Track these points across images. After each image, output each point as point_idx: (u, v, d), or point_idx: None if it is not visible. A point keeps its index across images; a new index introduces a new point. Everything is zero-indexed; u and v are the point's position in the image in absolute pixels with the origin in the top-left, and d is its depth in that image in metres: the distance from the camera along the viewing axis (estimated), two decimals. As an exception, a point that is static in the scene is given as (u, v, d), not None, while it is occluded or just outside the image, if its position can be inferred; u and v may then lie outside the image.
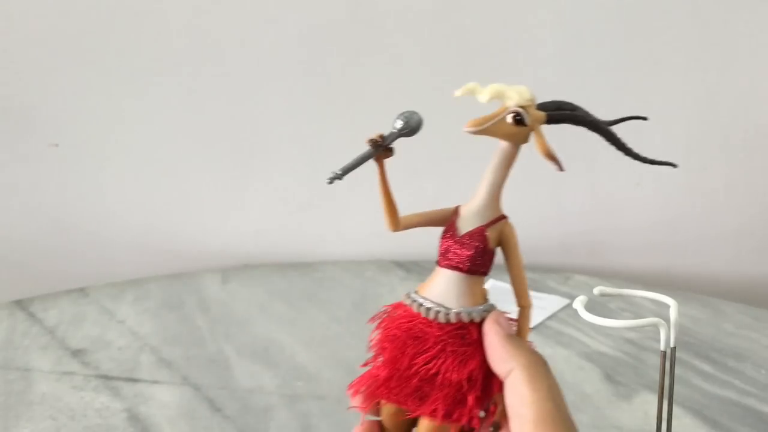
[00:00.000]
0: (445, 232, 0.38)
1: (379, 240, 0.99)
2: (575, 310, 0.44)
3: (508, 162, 0.38)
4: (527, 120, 0.36)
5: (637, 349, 0.73)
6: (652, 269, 1.02)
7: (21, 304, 0.83)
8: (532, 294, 0.91)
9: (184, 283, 0.90)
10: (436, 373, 0.35)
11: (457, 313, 0.36)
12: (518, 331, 0.37)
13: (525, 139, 0.37)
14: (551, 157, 0.36)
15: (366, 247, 0.99)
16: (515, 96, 0.36)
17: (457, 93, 0.36)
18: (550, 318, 0.80)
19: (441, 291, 0.37)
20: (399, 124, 0.37)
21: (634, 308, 0.82)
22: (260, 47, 0.93)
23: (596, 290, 0.47)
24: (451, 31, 0.93)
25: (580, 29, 0.94)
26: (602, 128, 0.40)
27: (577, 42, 0.94)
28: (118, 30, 0.91)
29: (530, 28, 0.94)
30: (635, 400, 0.63)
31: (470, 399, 0.35)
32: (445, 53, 0.93)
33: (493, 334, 0.35)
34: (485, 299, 0.38)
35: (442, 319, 0.36)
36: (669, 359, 0.44)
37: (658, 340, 0.44)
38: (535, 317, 0.79)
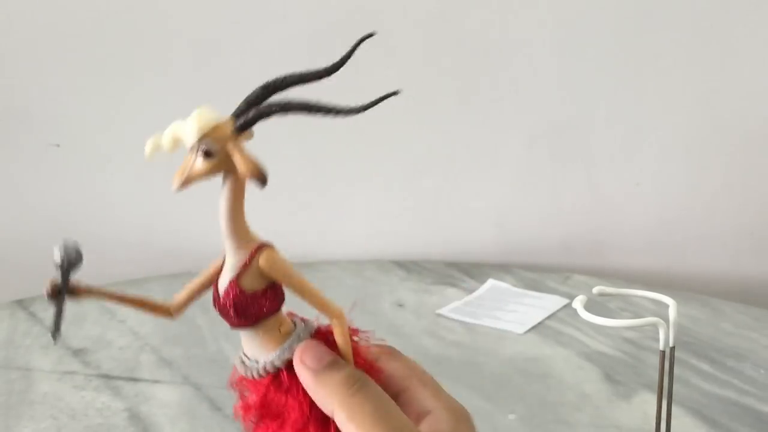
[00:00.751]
0: (212, 296, 0.36)
1: (379, 240, 0.99)
2: (575, 310, 0.44)
3: (234, 192, 0.34)
4: (215, 149, 0.32)
5: (636, 348, 0.73)
6: (651, 269, 1.02)
7: (22, 304, 0.83)
8: (532, 294, 0.91)
9: (185, 283, 0.90)
10: None
11: (263, 367, 0.34)
12: (339, 345, 0.34)
13: (231, 162, 0.33)
14: (256, 174, 0.31)
15: (366, 247, 0.99)
16: (193, 128, 0.32)
17: (147, 154, 0.33)
18: (549, 318, 0.80)
19: (248, 347, 0.36)
20: (58, 258, 0.34)
21: (633, 308, 0.82)
22: (260, 47, 0.93)
23: (596, 290, 0.47)
24: (453, 33, 0.93)
25: (580, 29, 0.94)
26: (299, 105, 0.34)
27: (577, 42, 0.94)
28: (118, 30, 0.91)
29: (530, 29, 0.94)
30: (634, 400, 0.64)
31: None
32: (446, 54, 0.93)
33: (302, 378, 0.33)
34: (288, 334, 0.35)
35: (256, 375, 0.34)
36: (668, 359, 0.44)
37: (658, 340, 0.44)
38: (535, 317, 0.80)
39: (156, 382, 0.66)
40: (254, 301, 0.34)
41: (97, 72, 0.92)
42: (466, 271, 0.94)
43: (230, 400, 0.66)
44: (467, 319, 0.79)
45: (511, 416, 0.61)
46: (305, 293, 0.35)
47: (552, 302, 0.84)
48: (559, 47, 0.94)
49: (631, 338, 0.75)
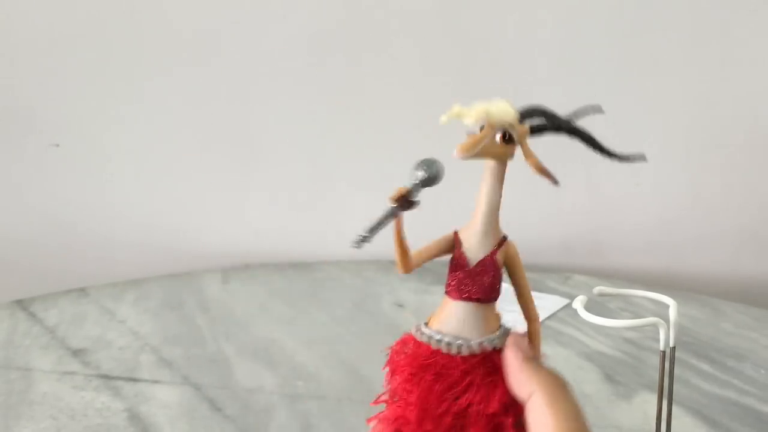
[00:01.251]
0: (453, 263, 0.38)
1: (379, 240, 0.99)
2: (575, 310, 0.44)
3: (501, 181, 0.37)
4: (516, 137, 0.36)
5: (636, 348, 0.73)
6: (651, 269, 1.02)
7: (21, 304, 0.83)
8: (532, 294, 0.91)
9: (185, 283, 0.90)
10: (468, 406, 0.35)
11: (480, 344, 0.36)
12: (532, 345, 0.37)
13: (512, 156, 0.37)
14: (544, 172, 0.36)
15: (366, 246, 0.99)
16: (500, 114, 0.36)
17: (443, 119, 0.36)
18: (549, 318, 0.80)
19: (457, 323, 0.36)
20: (420, 174, 0.37)
21: (633, 308, 0.82)
22: (261, 48, 0.93)
23: (596, 290, 0.47)
24: (452, 33, 0.93)
25: (580, 30, 0.94)
26: (579, 132, 0.40)
27: (577, 42, 0.94)
28: (118, 30, 0.91)
29: (530, 29, 0.94)
30: (635, 400, 0.63)
31: (508, 425, 0.35)
32: (446, 55, 0.93)
33: (512, 358, 0.35)
34: (500, 324, 0.38)
35: (465, 351, 0.36)
36: (668, 359, 0.44)
37: (658, 340, 0.44)
38: (535, 317, 0.79)
39: (156, 382, 0.66)
40: (500, 279, 0.37)
41: (97, 72, 0.92)
42: (466, 272, 0.94)
43: (230, 401, 0.66)
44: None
45: (512, 416, 0.60)
46: (524, 289, 0.39)
47: (552, 302, 0.84)
48: (559, 47, 0.94)
49: (632, 338, 0.75)
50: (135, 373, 0.68)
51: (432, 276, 0.93)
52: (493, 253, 0.37)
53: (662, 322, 0.43)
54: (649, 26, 0.94)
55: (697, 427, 0.59)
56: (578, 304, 0.44)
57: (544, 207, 1.01)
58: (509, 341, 0.36)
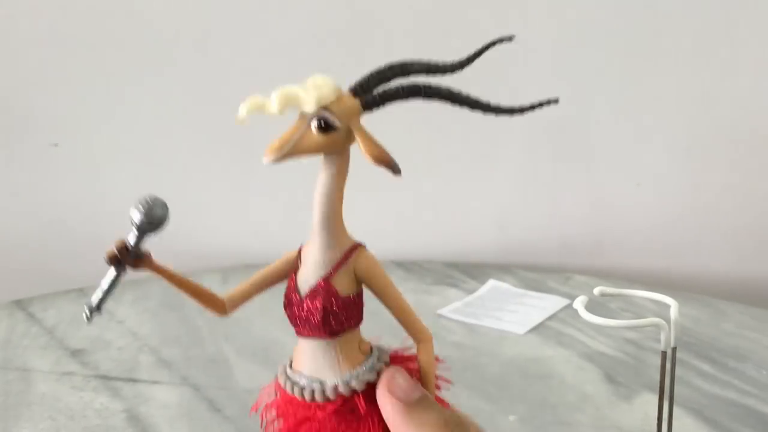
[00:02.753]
0: (286, 294, 0.31)
1: (379, 240, 0.99)
2: (575, 311, 0.44)
3: (339, 179, 0.30)
4: (336, 122, 0.28)
5: (637, 349, 0.73)
6: (652, 269, 1.02)
7: (20, 304, 0.83)
8: (533, 294, 0.91)
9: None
10: None
11: (334, 388, 0.29)
12: (422, 374, 0.30)
13: (345, 143, 0.29)
14: (382, 160, 0.27)
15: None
16: (312, 95, 0.28)
17: (240, 115, 0.29)
18: (550, 318, 0.80)
19: (311, 363, 0.30)
20: (139, 219, 0.29)
21: (634, 308, 0.82)
22: (261, 48, 0.93)
23: (596, 290, 0.47)
24: (452, 32, 0.93)
25: (580, 29, 0.94)
26: (443, 93, 0.30)
27: (577, 42, 0.94)
28: (118, 30, 0.91)
29: (530, 29, 0.93)
30: (636, 401, 0.63)
31: None
32: (446, 54, 0.93)
33: (389, 409, 0.28)
34: (367, 353, 0.30)
35: (318, 397, 0.29)
36: (669, 359, 0.44)
37: (659, 341, 0.44)
38: (536, 317, 0.79)
39: (155, 382, 0.66)
40: (344, 308, 0.29)
41: (96, 72, 0.92)
42: (466, 272, 0.94)
43: (229, 401, 0.66)
44: (468, 320, 0.79)
45: (512, 417, 0.60)
46: (399, 307, 0.30)
47: (553, 303, 0.84)
48: (560, 47, 0.94)
49: (633, 339, 0.75)
50: (134, 373, 0.68)
51: (432, 276, 0.93)
52: (327, 276, 0.29)
53: (663, 322, 0.43)
54: (650, 26, 0.94)
55: (698, 428, 0.59)
56: (579, 304, 0.44)
57: (545, 207, 1.00)
58: (381, 384, 0.28)
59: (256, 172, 0.97)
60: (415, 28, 0.93)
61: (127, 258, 0.29)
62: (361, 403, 0.29)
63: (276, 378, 0.32)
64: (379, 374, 0.29)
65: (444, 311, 0.81)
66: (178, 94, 0.94)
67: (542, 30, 0.93)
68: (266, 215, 1.00)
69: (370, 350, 0.31)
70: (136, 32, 0.91)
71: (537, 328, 0.77)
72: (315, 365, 0.30)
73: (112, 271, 0.29)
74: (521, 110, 0.29)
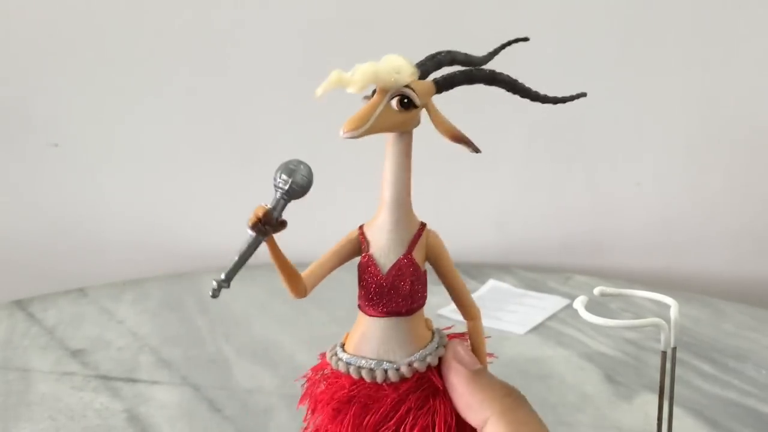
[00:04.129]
0: (362, 272, 0.31)
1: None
2: (575, 311, 0.44)
3: (407, 156, 0.30)
4: (417, 100, 0.29)
5: (637, 349, 0.73)
6: (652, 269, 1.02)
7: (20, 304, 0.83)
8: (533, 294, 0.91)
9: (184, 283, 0.90)
10: None
11: (409, 365, 0.29)
12: (474, 350, 0.31)
13: (418, 122, 0.30)
14: (459, 138, 0.29)
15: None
16: (392, 73, 0.28)
17: (319, 91, 0.29)
18: (550, 318, 0.80)
19: (379, 344, 0.30)
20: (282, 185, 0.28)
21: (634, 308, 0.82)
22: (260, 47, 0.93)
23: (597, 290, 0.47)
24: (451, 31, 0.93)
25: (580, 29, 0.94)
26: (499, 78, 0.32)
27: (577, 42, 0.94)
28: (117, 30, 0.91)
29: (530, 29, 0.93)
30: (636, 401, 0.63)
31: None
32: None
33: (455, 378, 0.29)
34: (432, 331, 0.31)
35: (393, 377, 0.29)
36: (669, 359, 0.44)
37: (659, 341, 0.44)
38: (535, 317, 0.79)
39: (155, 383, 0.66)
40: (422, 282, 0.30)
41: (96, 72, 0.92)
42: (466, 272, 0.94)
43: (229, 401, 0.66)
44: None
45: (512, 417, 0.60)
46: (457, 284, 0.31)
47: (553, 303, 0.84)
48: (560, 47, 0.94)
49: (633, 339, 0.75)
50: (134, 373, 0.68)
51: (433, 276, 0.93)
52: (409, 251, 0.30)
53: (663, 322, 0.43)
54: (650, 26, 0.94)
55: (698, 428, 0.59)
56: (579, 304, 0.44)
57: (544, 207, 1.00)
58: (447, 355, 0.30)
59: (256, 172, 0.97)
60: (416, 28, 0.93)
61: (272, 222, 0.29)
62: (436, 378, 0.29)
63: (315, 367, 0.31)
64: (445, 348, 0.30)
65: (444, 311, 0.81)
66: (178, 95, 0.94)
67: (543, 30, 0.93)
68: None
69: (433, 331, 0.31)
70: (135, 32, 0.91)
71: (537, 328, 0.77)
72: (385, 346, 0.30)
73: (250, 238, 0.28)
74: (561, 100, 0.33)
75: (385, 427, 0.29)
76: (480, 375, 0.30)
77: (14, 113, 0.93)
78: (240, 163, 0.97)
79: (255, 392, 0.65)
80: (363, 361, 0.30)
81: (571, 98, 0.33)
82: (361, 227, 0.31)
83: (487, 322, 0.85)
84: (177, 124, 0.95)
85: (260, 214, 0.29)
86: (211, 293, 0.28)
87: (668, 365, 0.44)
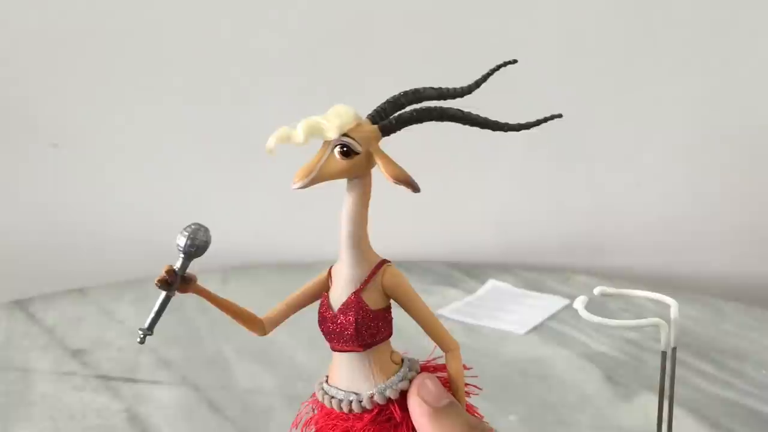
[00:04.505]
0: (319, 312, 0.33)
1: (379, 240, 0.99)
2: (575, 310, 0.44)
3: (363, 199, 0.32)
4: (357, 147, 0.30)
5: (637, 349, 0.73)
6: (652, 269, 1.02)
7: (20, 304, 0.83)
8: (533, 294, 0.91)
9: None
10: None
11: (370, 398, 0.31)
12: (450, 382, 0.32)
13: (368, 167, 0.31)
14: (402, 180, 0.30)
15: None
16: (332, 124, 0.30)
17: (270, 145, 0.31)
18: (550, 318, 0.80)
19: (346, 376, 0.32)
20: (183, 244, 0.32)
21: (634, 308, 0.82)
22: (261, 47, 0.93)
23: (597, 290, 0.47)
24: (452, 32, 0.93)
25: (580, 29, 0.94)
26: (449, 113, 0.33)
27: (578, 42, 0.94)
28: (118, 30, 0.91)
29: (531, 30, 0.93)
30: (636, 401, 0.63)
31: None
32: (446, 54, 0.93)
33: (418, 416, 0.29)
34: (399, 364, 0.32)
35: (355, 408, 0.31)
36: (669, 359, 0.44)
37: (659, 341, 0.44)
38: (535, 317, 0.79)
39: (155, 383, 0.66)
40: (375, 321, 0.31)
41: (97, 72, 0.92)
42: (466, 272, 0.94)
43: (229, 401, 0.66)
44: (468, 320, 0.79)
45: (512, 417, 0.60)
46: (425, 319, 0.32)
47: (553, 303, 0.84)
48: (560, 47, 0.94)
49: (633, 339, 0.75)
50: (134, 373, 0.68)
51: (433, 276, 0.93)
52: (357, 291, 0.31)
53: (663, 322, 0.43)
54: (651, 26, 0.94)
55: (698, 428, 0.59)
56: (579, 304, 0.44)
57: (544, 207, 1.00)
58: (411, 391, 0.31)
59: (256, 172, 0.97)
60: (416, 28, 0.93)
61: (176, 281, 0.32)
62: (397, 411, 0.30)
63: (313, 394, 0.34)
64: (410, 383, 0.31)
65: (444, 311, 0.81)
66: (178, 94, 0.94)
67: (543, 31, 0.93)
68: (266, 215, 1.00)
69: (401, 361, 0.33)
70: (136, 32, 0.91)
71: (537, 328, 0.77)
72: (351, 378, 0.32)
73: (162, 295, 0.32)
74: (527, 126, 0.32)
75: None
76: (443, 413, 0.29)
77: (14, 113, 0.93)
78: (241, 163, 0.97)
79: (255, 392, 0.65)
80: (335, 391, 0.32)
81: (542, 121, 0.33)
82: (330, 268, 0.33)
83: (487, 322, 0.85)
84: (177, 125, 0.95)
85: (164, 272, 0.31)
86: (138, 340, 0.32)
87: (668, 365, 0.44)
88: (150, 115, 0.95)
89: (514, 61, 0.35)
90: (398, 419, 0.30)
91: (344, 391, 0.32)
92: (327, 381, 0.33)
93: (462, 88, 0.34)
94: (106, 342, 0.74)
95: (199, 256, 0.33)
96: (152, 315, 0.31)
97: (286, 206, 0.98)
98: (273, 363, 0.70)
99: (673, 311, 0.44)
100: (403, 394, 0.31)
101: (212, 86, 0.94)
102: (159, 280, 0.31)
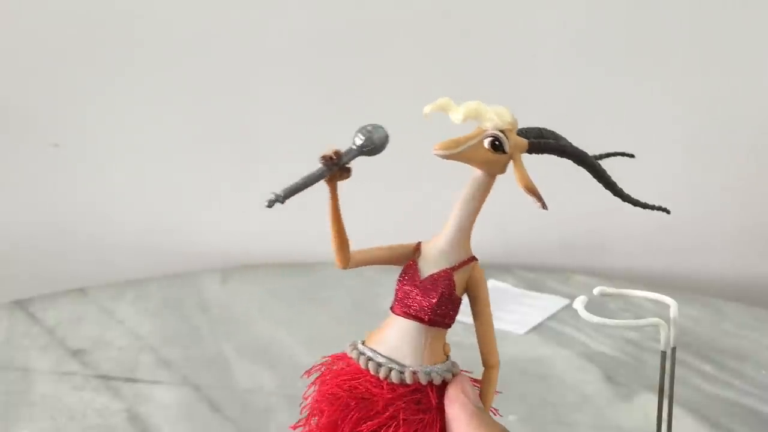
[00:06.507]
0: (403, 273, 0.33)
1: (380, 240, 0.99)
2: (575, 310, 0.44)
3: (481, 194, 0.33)
4: (507, 146, 0.32)
5: (637, 349, 0.73)
6: (652, 269, 1.02)
7: (21, 304, 0.83)
8: (533, 294, 0.91)
9: (184, 283, 0.90)
10: None
11: (413, 373, 0.30)
12: (482, 395, 0.32)
13: (502, 169, 0.33)
14: (533, 191, 0.32)
15: (365, 246, 0.99)
16: (494, 118, 0.31)
17: (427, 109, 0.32)
18: (550, 318, 0.80)
19: (395, 344, 0.31)
20: (359, 140, 0.32)
21: (634, 308, 0.82)
22: (261, 47, 0.93)
23: (596, 290, 0.47)
24: (453, 32, 0.93)
25: (581, 29, 0.94)
26: (588, 162, 0.36)
27: (578, 41, 0.94)
28: (118, 30, 0.91)
29: (532, 31, 0.93)
30: (635, 401, 0.63)
31: None
32: (446, 54, 0.93)
33: (459, 408, 0.29)
34: (446, 356, 0.32)
35: (394, 378, 0.30)
36: (669, 359, 0.44)
37: (659, 341, 0.44)
38: (535, 317, 0.79)
39: (155, 382, 0.66)
40: (452, 303, 0.32)
41: (97, 72, 0.92)
42: (466, 272, 0.94)
43: (229, 401, 0.66)
44: (468, 320, 0.78)
45: (512, 417, 0.60)
46: (486, 326, 0.33)
47: (553, 303, 0.84)
48: (560, 47, 0.94)
49: (633, 339, 0.75)
50: (134, 373, 0.68)
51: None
52: (451, 269, 0.31)
53: (663, 322, 0.43)
54: (651, 26, 0.94)
55: (698, 428, 0.59)
56: (579, 304, 0.44)
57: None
58: (455, 383, 0.31)
59: (256, 172, 0.97)
60: (417, 28, 0.93)
61: (339, 162, 0.31)
62: (433, 395, 0.30)
63: (334, 355, 0.33)
64: (453, 377, 0.31)
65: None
66: (178, 94, 0.94)
67: (543, 29, 0.93)
68: (266, 215, 1.00)
69: (447, 356, 0.33)
70: (136, 32, 0.91)
71: (537, 328, 0.77)
72: (399, 347, 0.31)
73: (316, 170, 0.31)
74: (644, 206, 0.37)
75: (368, 424, 0.30)
76: (484, 414, 0.30)
77: (14, 113, 0.93)
78: (240, 163, 0.97)
79: (255, 392, 0.65)
80: (375, 355, 0.31)
81: (652, 207, 0.37)
82: (419, 242, 0.33)
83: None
84: (177, 125, 0.95)
85: (331, 151, 0.31)
86: (266, 203, 0.30)
87: (668, 365, 0.44)
88: (150, 115, 0.95)
89: (632, 156, 0.40)
90: (432, 404, 0.30)
91: (385, 357, 0.31)
92: (363, 343, 0.32)
93: (593, 156, 0.37)
94: (107, 342, 0.74)
95: (372, 155, 0.32)
96: (296, 183, 0.30)
97: (286, 206, 0.98)
98: (273, 363, 0.70)
99: (673, 311, 0.44)
100: (442, 385, 0.31)
101: (213, 86, 0.94)
102: (323, 156, 0.31)
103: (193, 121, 0.95)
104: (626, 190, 0.36)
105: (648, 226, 1.02)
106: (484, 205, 0.35)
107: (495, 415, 0.33)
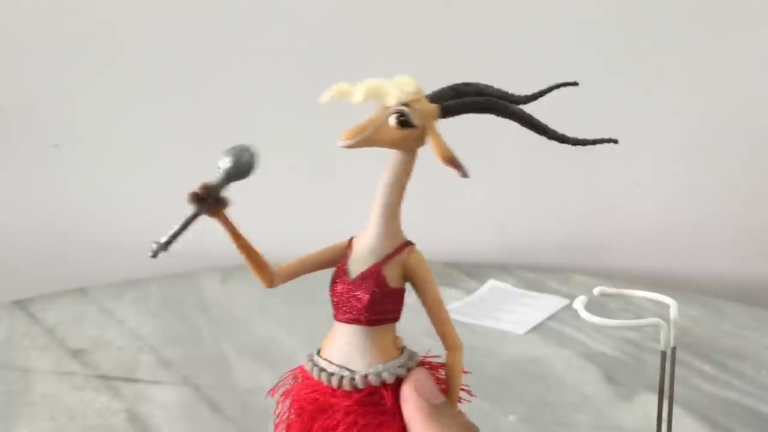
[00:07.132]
0: (333, 277, 0.31)
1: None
2: (575, 311, 0.44)
3: (402, 175, 0.30)
4: (414, 120, 0.29)
5: (637, 349, 0.73)
6: (652, 269, 1.02)
7: (21, 304, 0.83)
8: (533, 294, 0.91)
9: (184, 283, 0.90)
10: None
11: (365, 376, 0.29)
12: (448, 381, 0.31)
13: (418, 143, 0.30)
14: (451, 161, 0.28)
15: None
16: (395, 91, 0.29)
17: (324, 98, 0.30)
18: (550, 318, 0.80)
19: (343, 350, 0.31)
20: (226, 163, 0.30)
21: (634, 308, 0.82)
22: (261, 47, 0.93)
23: (596, 290, 0.47)
24: (453, 32, 0.93)
25: (581, 29, 0.94)
26: (510, 111, 0.32)
27: (578, 42, 0.94)
28: (118, 30, 0.91)
29: (532, 31, 0.93)
30: (635, 401, 0.63)
31: None
32: (446, 54, 0.93)
33: (413, 409, 0.28)
34: (399, 350, 0.31)
35: (347, 385, 0.30)
36: (669, 359, 0.44)
37: (659, 341, 0.44)
38: (535, 317, 0.79)
39: (155, 382, 0.66)
40: (389, 298, 0.30)
41: (97, 72, 0.92)
42: (466, 272, 0.94)
43: (229, 401, 0.66)
44: (467, 320, 0.79)
45: (512, 417, 0.60)
46: (437, 310, 0.31)
47: (553, 303, 0.84)
48: (560, 47, 0.94)
49: (632, 339, 0.75)
50: (134, 373, 0.68)
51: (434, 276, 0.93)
52: (379, 263, 0.30)
53: (663, 322, 0.43)
54: (652, 26, 0.94)
55: (698, 428, 0.59)
56: (579, 304, 0.44)
57: (544, 207, 1.00)
58: (408, 382, 0.29)
59: (256, 172, 0.97)
60: (417, 28, 0.93)
61: (209, 198, 0.30)
62: (388, 396, 0.29)
63: (298, 367, 0.32)
64: (408, 372, 0.30)
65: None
66: (178, 95, 0.94)
67: (543, 30, 0.93)
68: (266, 215, 1.00)
69: (402, 349, 0.31)
70: (137, 33, 0.91)
71: (537, 328, 0.77)
72: (347, 353, 0.30)
73: (189, 211, 0.30)
74: (583, 142, 0.34)
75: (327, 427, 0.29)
76: (439, 411, 0.28)
77: (14, 113, 0.93)
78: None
79: (255, 392, 0.65)
80: (326, 364, 0.31)
81: (598, 141, 0.34)
82: (351, 238, 0.31)
83: (487, 321, 0.85)
84: (177, 125, 0.95)
85: (198, 187, 0.30)
86: (150, 254, 0.30)
87: (668, 365, 0.44)
88: (150, 115, 0.95)
89: (575, 84, 0.36)
90: (389, 405, 0.29)
91: (337, 365, 0.30)
92: (318, 353, 0.32)
93: (522, 96, 0.34)
94: (106, 342, 0.74)
95: (241, 179, 0.30)
96: (173, 230, 0.30)
97: (286, 206, 0.98)
98: (273, 363, 0.70)
99: (673, 311, 0.44)
100: (398, 382, 0.30)
101: (212, 86, 0.94)
102: (190, 195, 0.30)
103: (193, 121, 0.95)
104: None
105: (648, 226, 1.02)
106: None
107: (469, 395, 0.32)
